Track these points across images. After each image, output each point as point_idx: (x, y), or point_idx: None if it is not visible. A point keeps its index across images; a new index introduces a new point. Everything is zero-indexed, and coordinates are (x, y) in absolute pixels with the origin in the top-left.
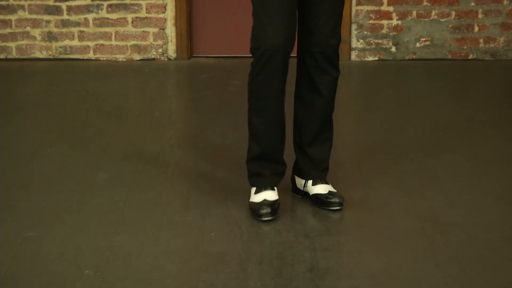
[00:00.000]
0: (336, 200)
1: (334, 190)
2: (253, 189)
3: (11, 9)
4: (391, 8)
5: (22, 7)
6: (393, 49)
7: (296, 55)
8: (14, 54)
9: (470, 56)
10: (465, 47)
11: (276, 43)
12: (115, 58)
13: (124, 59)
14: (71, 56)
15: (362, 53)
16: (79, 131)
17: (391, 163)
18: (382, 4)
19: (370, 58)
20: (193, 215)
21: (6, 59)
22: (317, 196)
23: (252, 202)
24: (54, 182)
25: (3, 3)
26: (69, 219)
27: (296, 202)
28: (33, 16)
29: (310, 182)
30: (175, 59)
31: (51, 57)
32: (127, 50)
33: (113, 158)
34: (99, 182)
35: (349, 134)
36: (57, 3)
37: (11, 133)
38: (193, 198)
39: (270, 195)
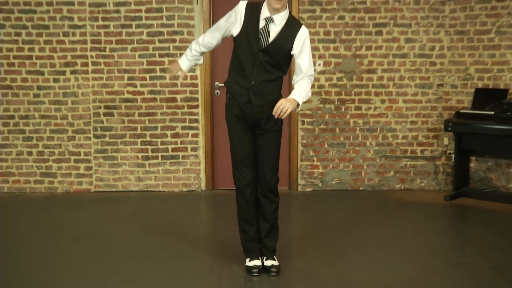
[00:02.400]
0: (274, 269)
1: (275, 264)
2: (248, 259)
3: (119, 165)
4: (319, 163)
5: (125, 164)
6: (320, 184)
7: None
8: (120, 188)
9: (360, 188)
10: (357, 183)
11: (245, 184)
12: (173, 190)
13: (178, 191)
14: (150, 189)
15: (303, 187)
16: (151, 228)
17: (319, 245)
18: (314, 161)
19: (308, 189)
20: (214, 276)
21: (116, 191)
22: (265, 267)
23: (247, 265)
24: (137, 259)
25: (115, 162)
26: (145, 280)
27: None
28: (130, 168)
29: (264, 258)
30: (204, 191)
31: (139, 190)
32: (179, 186)
33: (170, 244)
34: (164, 257)
35: (294, 229)
36: (143, 161)
37: (114, 231)
38: (216, 267)
39: (258, 262)
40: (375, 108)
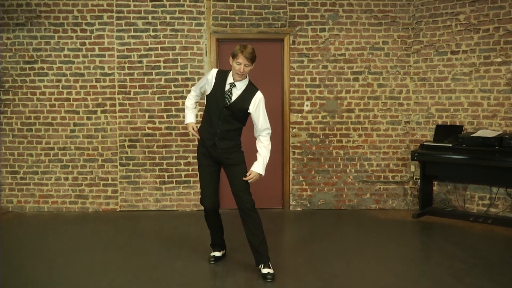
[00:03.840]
0: (269, 277)
1: (271, 272)
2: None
3: (140, 189)
4: (307, 187)
5: (145, 187)
6: (308, 205)
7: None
8: (141, 208)
9: (342, 208)
10: (339, 204)
11: (208, 205)
12: (185, 210)
13: (189, 210)
14: (166, 209)
15: (294, 207)
16: (167, 242)
17: (308, 255)
18: (303, 185)
19: (298, 209)
20: (219, 282)
21: (138, 211)
22: (261, 274)
23: (210, 255)
24: (155, 267)
25: (137, 186)
26: (161, 285)
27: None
28: (150, 191)
29: (261, 265)
30: None
31: (157, 209)
32: (191, 206)
33: (183, 255)
34: (177, 266)
35: (287, 242)
36: (160, 185)
37: (136, 244)
38: (221, 274)
39: (218, 253)
40: (353, 141)
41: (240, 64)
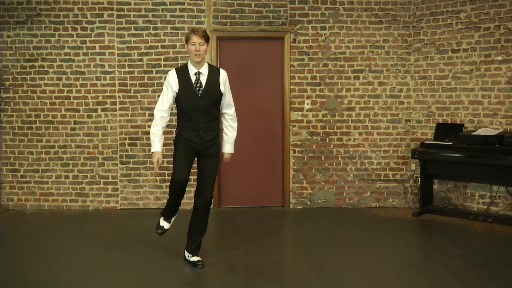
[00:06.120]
0: (200, 264)
1: (200, 258)
2: (162, 218)
3: (141, 187)
4: (307, 185)
5: (145, 185)
6: (309, 203)
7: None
8: (141, 206)
9: (342, 206)
10: (340, 202)
11: (180, 178)
12: (186, 208)
13: (190, 209)
14: None
15: (295, 205)
16: (168, 240)
17: (308, 253)
18: (303, 183)
19: (299, 207)
20: (220, 280)
21: (138, 209)
22: (191, 262)
23: (159, 225)
24: (156, 266)
25: (137, 184)
26: (162, 284)
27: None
28: (150, 189)
29: (190, 255)
30: (212, 208)
31: (157, 207)
32: (191, 204)
33: (183, 254)
34: (178, 265)
35: (287, 241)
36: (161, 183)
37: (136, 242)
38: (221, 273)
39: (167, 224)
40: (354, 140)
41: (194, 43)
